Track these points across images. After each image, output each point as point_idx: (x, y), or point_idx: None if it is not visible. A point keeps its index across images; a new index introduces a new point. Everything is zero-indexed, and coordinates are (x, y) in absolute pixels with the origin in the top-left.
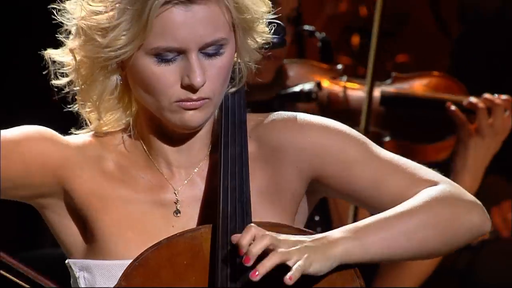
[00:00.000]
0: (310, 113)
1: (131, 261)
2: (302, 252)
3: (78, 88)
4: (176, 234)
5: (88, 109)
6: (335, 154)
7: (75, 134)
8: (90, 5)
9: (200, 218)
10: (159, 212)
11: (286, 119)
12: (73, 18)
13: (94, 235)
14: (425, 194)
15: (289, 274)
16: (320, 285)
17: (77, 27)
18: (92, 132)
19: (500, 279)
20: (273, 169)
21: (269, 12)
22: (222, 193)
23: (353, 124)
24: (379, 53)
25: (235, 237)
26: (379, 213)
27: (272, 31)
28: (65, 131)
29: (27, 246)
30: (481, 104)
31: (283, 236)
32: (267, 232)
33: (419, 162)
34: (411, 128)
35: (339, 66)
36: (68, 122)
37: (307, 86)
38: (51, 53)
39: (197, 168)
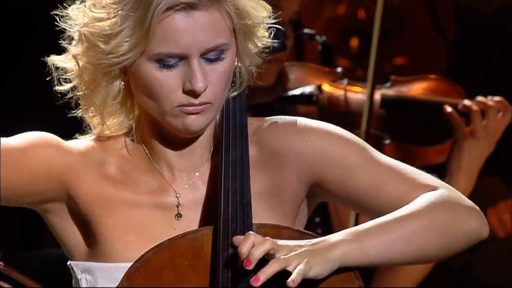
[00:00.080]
0: (311, 116)
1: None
2: (302, 257)
3: (81, 93)
4: (177, 236)
5: (91, 114)
6: (335, 159)
7: (78, 138)
8: (93, 11)
9: (202, 221)
10: (161, 215)
11: (286, 124)
12: (76, 25)
13: (97, 238)
14: (424, 199)
15: (291, 278)
16: (319, 287)
17: (80, 34)
18: (94, 137)
19: (495, 278)
20: (273, 173)
21: (270, 17)
22: (223, 196)
23: (353, 127)
24: (379, 56)
25: (236, 239)
26: (378, 217)
27: (273, 35)
28: (67, 134)
29: (30, 246)
30: (475, 107)
31: (282, 242)
32: (264, 240)
33: (418, 165)
34: (411, 131)
35: (339, 69)
36: (71, 126)
37: (308, 89)
38: (54, 59)
39: (198, 172)
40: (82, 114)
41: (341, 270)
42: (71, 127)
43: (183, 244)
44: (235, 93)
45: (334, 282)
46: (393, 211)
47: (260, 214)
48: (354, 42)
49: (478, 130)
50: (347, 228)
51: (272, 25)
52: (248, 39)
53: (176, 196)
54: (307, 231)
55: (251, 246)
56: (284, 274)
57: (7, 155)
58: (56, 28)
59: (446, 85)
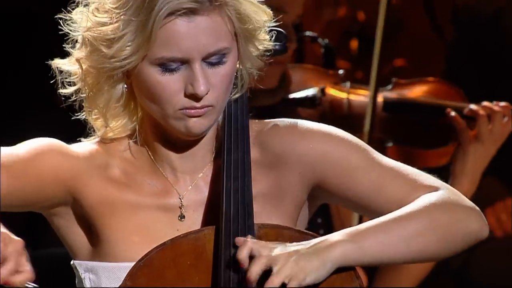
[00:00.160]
0: (313, 119)
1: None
2: (297, 266)
3: (84, 95)
4: (180, 235)
5: (94, 116)
6: (336, 160)
7: (82, 141)
8: (96, 16)
9: (204, 222)
10: (164, 216)
11: (288, 126)
12: (79, 28)
13: (101, 239)
14: (424, 200)
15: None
16: (319, 286)
17: (83, 38)
18: (98, 139)
19: (494, 278)
20: (275, 174)
21: (270, 21)
22: (225, 196)
23: (356, 130)
24: (382, 58)
25: (237, 240)
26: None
27: (274, 38)
28: (71, 136)
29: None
30: (481, 112)
31: (277, 250)
32: (262, 244)
33: (420, 168)
34: (413, 134)
35: (341, 72)
36: (75, 128)
37: (311, 91)
38: (58, 63)
39: (201, 174)
40: (85, 116)
41: (341, 269)
42: (75, 129)
43: (186, 243)
44: (236, 96)
45: (334, 282)
46: (393, 211)
47: (262, 214)
48: (354, 44)
49: (484, 134)
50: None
51: (273, 28)
52: (249, 42)
53: (179, 198)
54: (308, 232)
55: (248, 252)
56: None
57: (16, 166)
58: (60, 32)
59: (447, 87)
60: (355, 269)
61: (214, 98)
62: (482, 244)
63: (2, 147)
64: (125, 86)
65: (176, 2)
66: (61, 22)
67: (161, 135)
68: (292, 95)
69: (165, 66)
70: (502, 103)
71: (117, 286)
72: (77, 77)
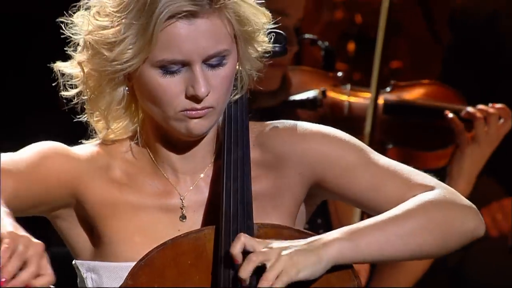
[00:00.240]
0: (314, 121)
1: None
2: (292, 261)
3: (86, 98)
4: (180, 235)
5: (96, 118)
6: (335, 160)
7: (84, 143)
8: (97, 19)
9: (205, 223)
10: (166, 217)
11: (288, 128)
12: (81, 32)
13: (103, 239)
14: (420, 198)
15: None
16: (317, 284)
17: (85, 41)
18: (99, 141)
19: (489, 276)
20: (275, 175)
21: (269, 23)
22: (225, 196)
23: (356, 132)
24: (383, 61)
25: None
26: (377, 215)
27: (274, 40)
28: (73, 138)
29: None
30: (478, 114)
31: (272, 246)
32: (257, 241)
33: (419, 169)
34: (413, 136)
35: (340, 74)
36: (75, 129)
37: (312, 93)
38: (60, 66)
39: (202, 174)
40: (87, 118)
41: (339, 268)
42: (76, 132)
43: (186, 243)
44: (236, 97)
45: (332, 281)
46: (391, 209)
47: (261, 214)
48: (351, 46)
49: (480, 136)
50: None
51: (272, 30)
52: (248, 44)
53: (181, 199)
54: (307, 231)
55: (242, 247)
56: None
57: (20, 170)
58: (62, 36)
59: (445, 90)
60: (353, 268)
61: (214, 100)
62: (478, 243)
63: (6, 153)
64: (127, 88)
65: (176, 5)
66: (62, 25)
67: (162, 137)
68: (293, 97)
69: (166, 68)
70: (498, 105)
71: (119, 286)
72: (78, 80)
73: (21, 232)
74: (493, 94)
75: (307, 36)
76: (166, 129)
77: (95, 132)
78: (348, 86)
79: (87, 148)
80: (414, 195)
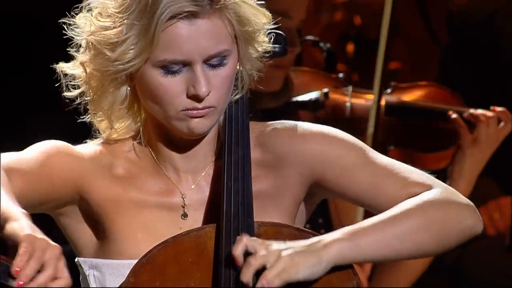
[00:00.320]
0: (316, 122)
1: None
2: (292, 261)
3: (89, 98)
4: (182, 233)
5: (99, 118)
6: (334, 160)
7: (87, 142)
8: (99, 20)
9: (206, 221)
10: (168, 215)
11: (288, 128)
12: (83, 33)
13: (106, 236)
14: (419, 197)
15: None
16: (317, 284)
17: (87, 42)
18: (102, 140)
19: (486, 274)
20: (276, 174)
21: (269, 23)
22: (225, 195)
23: (358, 133)
24: (386, 62)
25: (238, 238)
26: (377, 213)
27: (274, 40)
28: (75, 137)
29: None
30: (481, 116)
31: (273, 247)
32: (259, 241)
33: (420, 170)
34: (414, 138)
35: (341, 75)
36: (79, 129)
37: (314, 95)
38: (62, 66)
39: (203, 173)
40: (90, 118)
41: (339, 268)
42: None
43: (187, 241)
44: (237, 97)
45: (332, 280)
46: (390, 207)
47: (262, 213)
48: (350, 47)
49: (482, 138)
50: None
51: (272, 31)
52: (249, 44)
53: (182, 197)
54: (307, 230)
55: (244, 248)
56: None
57: (25, 170)
58: (64, 37)
59: (446, 92)
60: (353, 268)
61: (215, 99)
62: (475, 241)
63: (10, 152)
64: (129, 88)
65: (177, 6)
66: (64, 26)
67: (164, 136)
68: (295, 98)
69: (167, 68)
70: (499, 108)
71: (121, 283)
72: (81, 80)
73: (39, 234)
74: (491, 94)
75: (309, 37)
76: (168, 129)
77: (99, 132)
78: (350, 88)
79: (90, 147)
80: (413, 194)
